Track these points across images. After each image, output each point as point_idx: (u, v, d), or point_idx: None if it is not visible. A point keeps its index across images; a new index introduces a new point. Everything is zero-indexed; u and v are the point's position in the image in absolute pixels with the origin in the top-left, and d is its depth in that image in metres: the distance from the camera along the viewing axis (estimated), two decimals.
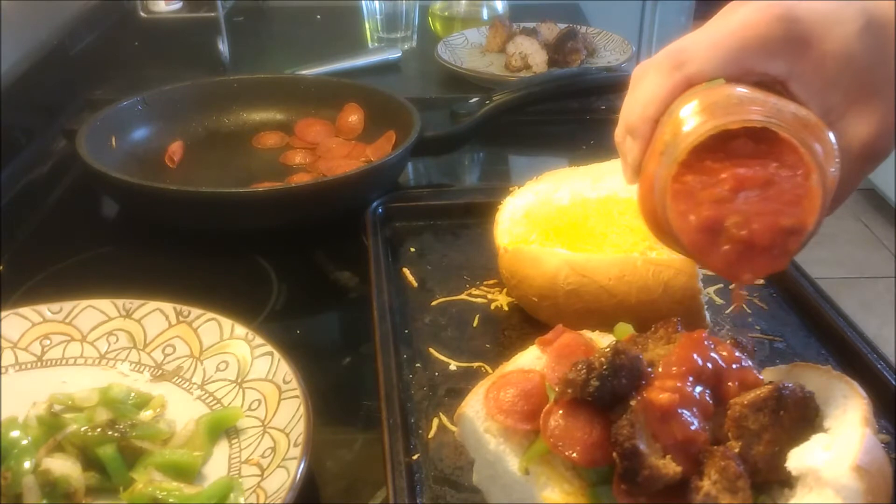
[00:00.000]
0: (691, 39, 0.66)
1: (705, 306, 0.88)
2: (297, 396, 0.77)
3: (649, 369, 0.61)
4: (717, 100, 0.62)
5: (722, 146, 0.61)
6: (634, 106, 0.68)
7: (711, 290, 1.01)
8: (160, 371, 0.86)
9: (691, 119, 0.62)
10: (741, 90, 0.63)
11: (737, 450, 0.58)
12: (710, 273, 1.04)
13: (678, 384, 0.60)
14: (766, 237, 0.59)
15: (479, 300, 1.00)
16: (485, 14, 2.03)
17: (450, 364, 0.90)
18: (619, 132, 0.72)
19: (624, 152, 0.71)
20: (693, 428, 0.58)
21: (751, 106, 0.61)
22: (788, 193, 0.59)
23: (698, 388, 0.60)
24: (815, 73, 0.64)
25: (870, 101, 0.64)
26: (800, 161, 0.59)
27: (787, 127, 0.59)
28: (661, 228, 0.65)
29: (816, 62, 0.63)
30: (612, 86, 1.49)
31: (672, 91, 0.66)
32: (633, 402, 0.59)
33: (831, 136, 0.62)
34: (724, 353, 0.64)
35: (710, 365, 0.62)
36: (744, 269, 0.61)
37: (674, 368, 0.61)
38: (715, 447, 0.57)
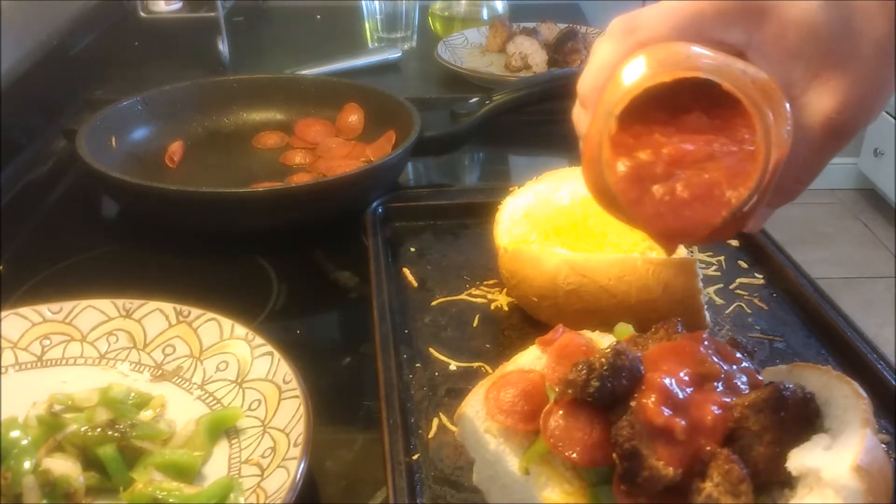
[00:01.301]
0: (646, 7, 0.64)
1: (705, 306, 0.88)
2: (297, 396, 0.77)
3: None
4: (663, 55, 0.60)
5: (673, 121, 0.59)
6: (586, 75, 0.66)
7: (711, 290, 1.01)
8: (160, 371, 0.86)
9: (634, 73, 0.59)
10: (692, 48, 0.60)
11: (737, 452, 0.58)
12: (710, 273, 1.05)
13: (673, 390, 0.59)
14: (700, 191, 0.57)
15: (479, 300, 1.00)
16: (485, 14, 2.03)
17: (450, 364, 0.90)
18: (575, 110, 0.69)
19: (579, 129, 0.68)
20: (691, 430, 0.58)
21: (698, 60, 0.59)
22: (733, 156, 0.57)
23: (693, 391, 0.60)
24: (775, 44, 0.61)
25: (833, 73, 0.62)
26: (749, 128, 0.57)
27: (730, 80, 0.57)
28: (603, 194, 0.62)
29: (777, 32, 0.61)
30: None
31: (623, 57, 0.63)
32: (633, 403, 0.59)
33: (785, 101, 0.59)
34: (724, 354, 0.64)
35: (708, 366, 0.62)
36: (678, 230, 0.59)
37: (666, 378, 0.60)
38: (718, 450, 0.57)
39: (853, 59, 0.62)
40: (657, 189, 0.58)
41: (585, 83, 0.66)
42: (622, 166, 0.59)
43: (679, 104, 0.59)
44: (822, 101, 0.62)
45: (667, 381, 0.59)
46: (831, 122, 0.62)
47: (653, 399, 0.58)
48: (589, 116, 0.65)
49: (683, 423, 0.57)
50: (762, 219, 0.70)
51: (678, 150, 0.58)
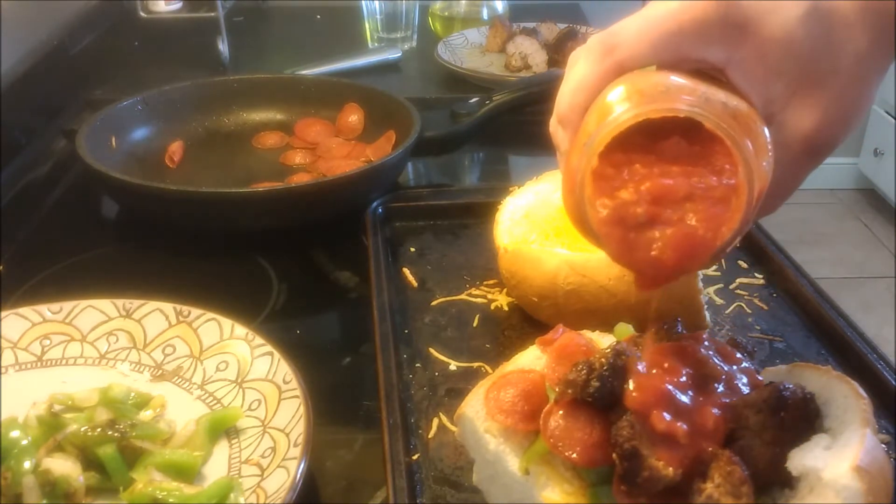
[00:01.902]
0: (624, 24, 0.63)
1: (705, 306, 0.88)
2: (297, 396, 0.77)
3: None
4: (644, 87, 0.59)
5: (652, 146, 0.58)
6: (563, 94, 0.65)
7: (711, 290, 1.01)
8: (160, 371, 0.86)
9: (615, 107, 0.59)
10: (672, 78, 0.60)
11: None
12: (710, 273, 1.05)
13: (673, 393, 0.59)
14: (684, 235, 0.57)
15: (479, 300, 1.00)
16: (485, 14, 2.03)
17: (450, 364, 0.90)
18: (552, 122, 0.68)
19: (557, 144, 0.68)
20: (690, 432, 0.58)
21: (678, 94, 0.58)
22: (714, 192, 0.57)
23: (693, 392, 0.60)
24: (755, 61, 0.60)
25: (813, 90, 0.61)
26: (729, 159, 0.56)
27: (712, 118, 0.57)
28: (584, 225, 0.62)
29: (757, 49, 0.60)
30: None
31: (602, 77, 0.62)
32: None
33: (765, 129, 0.59)
34: (724, 354, 0.64)
35: (708, 366, 0.62)
36: (660, 271, 0.58)
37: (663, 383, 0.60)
38: (720, 451, 0.57)
39: (832, 74, 0.61)
40: (641, 229, 0.58)
41: (563, 102, 0.65)
42: (603, 208, 0.58)
43: (658, 128, 0.59)
44: (802, 118, 0.62)
45: (668, 384, 0.59)
46: (809, 141, 0.62)
47: (654, 404, 0.58)
48: (568, 136, 0.64)
49: (685, 427, 0.57)
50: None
51: (659, 186, 0.58)
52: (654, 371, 0.60)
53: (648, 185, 0.58)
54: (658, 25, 0.60)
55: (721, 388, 0.61)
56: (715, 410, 0.59)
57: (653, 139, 0.59)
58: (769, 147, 0.59)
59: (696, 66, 0.61)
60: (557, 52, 1.76)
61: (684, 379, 0.60)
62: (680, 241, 0.57)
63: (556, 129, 0.67)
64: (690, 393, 0.59)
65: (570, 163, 0.62)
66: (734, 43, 0.60)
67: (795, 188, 0.65)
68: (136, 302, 0.91)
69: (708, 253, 0.58)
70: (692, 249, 0.57)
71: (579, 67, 0.64)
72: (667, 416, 0.57)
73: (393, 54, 1.86)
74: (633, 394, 0.59)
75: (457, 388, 0.86)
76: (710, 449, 0.57)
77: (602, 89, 0.62)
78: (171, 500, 0.69)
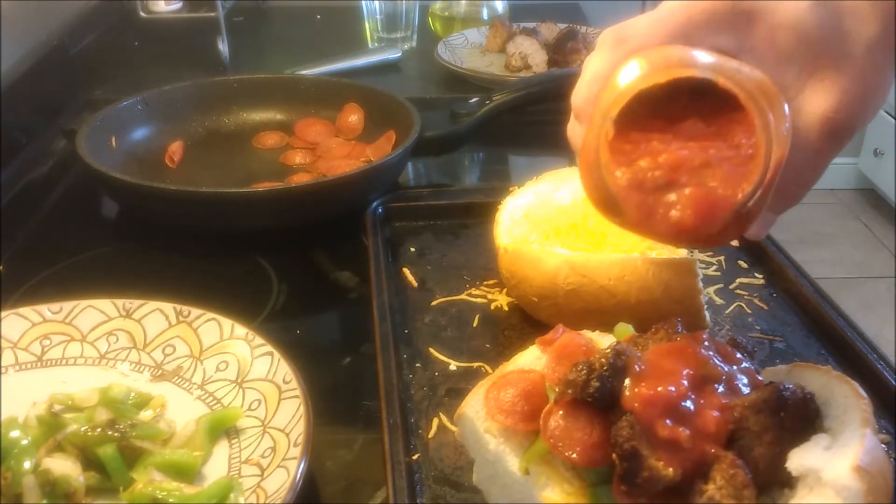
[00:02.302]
0: (636, 19, 0.64)
1: (705, 306, 0.88)
2: (297, 396, 0.77)
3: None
4: (656, 58, 0.60)
5: (669, 127, 0.59)
6: (579, 87, 0.66)
7: (711, 290, 1.01)
8: (160, 371, 0.86)
9: (628, 75, 0.59)
10: (685, 49, 0.60)
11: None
12: (710, 273, 1.05)
13: (674, 398, 0.59)
14: (703, 191, 0.57)
15: (479, 300, 1.00)
16: (485, 14, 2.03)
17: (450, 364, 0.90)
18: (570, 125, 0.69)
19: (575, 142, 0.68)
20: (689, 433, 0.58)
21: (692, 61, 0.58)
22: (732, 160, 0.57)
23: (693, 394, 0.60)
24: (766, 47, 0.61)
25: (826, 74, 0.62)
26: (747, 132, 0.57)
27: (726, 79, 0.57)
28: (603, 199, 0.62)
29: (767, 35, 0.61)
30: None
31: (616, 66, 0.63)
32: (635, 406, 0.59)
33: (782, 99, 0.59)
34: (724, 354, 0.64)
35: (708, 367, 0.62)
36: (683, 231, 0.59)
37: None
38: (723, 453, 0.57)
39: (846, 58, 0.62)
40: (660, 193, 0.58)
41: (579, 95, 0.66)
42: (622, 173, 0.59)
43: (675, 113, 0.59)
44: (818, 101, 0.62)
45: (668, 388, 0.59)
46: (829, 122, 0.62)
47: (655, 409, 0.58)
48: (585, 129, 0.65)
49: (687, 432, 0.57)
50: (766, 224, 0.70)
51: (676, 155, 0.58)
52: (655, 374, 0.60)
53: (666, 155, 0.58)
54: (670, 15, 0.62)
55: (721, 389, 0.61)
56: (715, 412, 0.59)
57: (670, 123, 0.59)
58: (787, 113, 0.59)
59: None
60: (557, 52, 1.76)
61: (685, 381, 0.60)
62: (698, 200, 0.58)
63: (573, 128, 0.68)
64: (691, 395, 0.59)
65: (586, 140, 0.62)
66: (744, 29, 0.61)
67: (819, 175, 0.65)
68: (136, 302, 0.91)
69: (727, 211, 0.58)
70: (711, 208, 0.58)
71: (593, 61, 0.65)
72: (668, 423, 0.57)
73: (393, 54, 1.86)
74: (635, 400, 0.58)
75: (457, 388, 0.86)
76: (712, 450, 0.57)
77: None
78: (171, 500, 0.69)
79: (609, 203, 0.61)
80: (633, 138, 0.59)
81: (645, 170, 0.58)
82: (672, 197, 0.58)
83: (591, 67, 0.65)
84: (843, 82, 0.62)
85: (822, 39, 0.61)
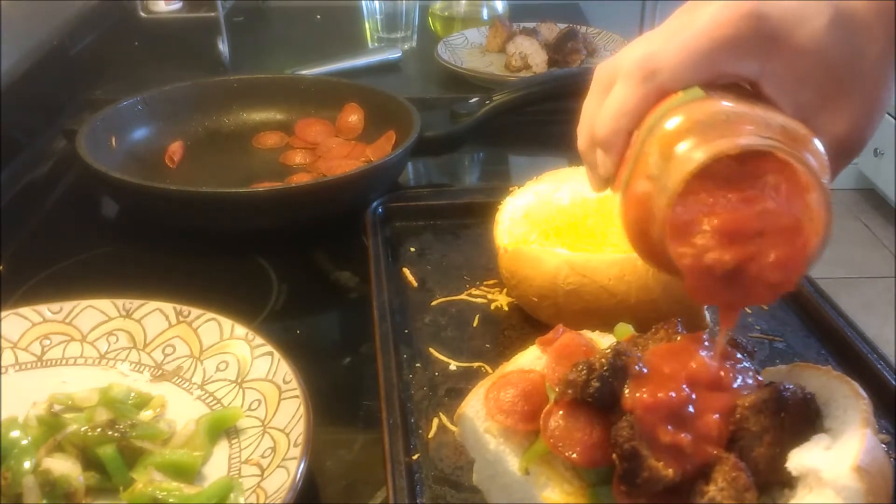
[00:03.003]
0: (659, 44, 0.64)
1: (705, 306, 0.88)
2: (297, 396, 0.77)
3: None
4: (703, 118, 0.60)
5: (705, 168, 0.58)
6: (605, 118, 0.66)
7: None
8: (160, 371, 0.86)
9: (682, 142, 0.59)
10: (725, 104, 0.61)
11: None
12: None
13: (671, 392, 0.59)
14: (769, 271, 0.58)
15: (479, 300, 1.00)
16: (485, 14, 2.03)
17: (450, 364, 0.90)
18: (584, 142, 0.69)
19: (592, 163, 0.69)
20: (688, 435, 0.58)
21: (741, 125, 0.59)
22: (787, 218, 0.58)
23: (693, 396, 0.60)
24: (787, 71, 0.62)
25: (843, 96, 0.63)
26: (792, 178, 0.57)
27: (785, 148, 0.57)
28: (648, 248, 0.63)
29: (788, 59, 0.62)
30: None
31: (645, 101, 0.63)
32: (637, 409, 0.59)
33: (819, 144, 0.60)
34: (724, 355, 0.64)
35: (708, 368, 0.62)
36: (750, 301, 0.60)
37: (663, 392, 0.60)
38: (725, 455, 0.57)
39: (857, 78, 0.63)
40: (727, 281, 0.58)
41: (604, 125, 0.66)
42: (686, 258, 0.58)
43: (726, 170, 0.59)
44: (835, 123, 0.63)
45: (669, 392, 0.59)
46: (843, 144, 0.64)
47: (656, 415, 0.58)
48: (612, 160, 0.66)
49: (689, 437, 0.57)
50: None
51: (731, 221, 0.58)
52: (655, 378, 0.60)
53: (720, 221, 0.58)
54: (695, 44, 0.62)
55: (721, 390, 0.61)
56: (716, 415, 0.59)
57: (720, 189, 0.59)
58: (827, 163, 0.60)
59: (730, 80, 0.63)
60: (557, 52, 1.76)
61: (685, 385, 0.60)
62: (767, 271, 0.58)
63: (591, 150, 0.68)
64: (692, 399, 0.59)
65: (632, 188, 0.63)
66: (766, 55, 0.62)
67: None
68: (136, 302, 0.91)
69: (794, 281, 0.59)
70: (776, 286, 0.59)
71: (618, 91, 0.65)
72: (670, 428, 0.57)
73: (393, 54, 1.86)
74: (636, 405, 0.58)
75: (457, 388, 0.86)
76: (713, 452, 0.57)
77: (644, 112, 0.63)
78: (171, 500, 0.69)
79: (653, 252, 0.62)
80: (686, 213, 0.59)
81: (707, 249, 0.58)
82: (741, 281, 0.58)
83: (617, 99, 0.65)
84: (857, 102, 0.63)
85: (837, 60, 0.62)
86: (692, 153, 0.58)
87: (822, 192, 0.58)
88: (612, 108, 0.65)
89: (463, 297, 1.01)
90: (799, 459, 0.58)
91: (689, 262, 0.58)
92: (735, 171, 0.58)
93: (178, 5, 1.84)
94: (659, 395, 0.58)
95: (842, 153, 0.64)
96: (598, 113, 0.67)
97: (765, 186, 0.58)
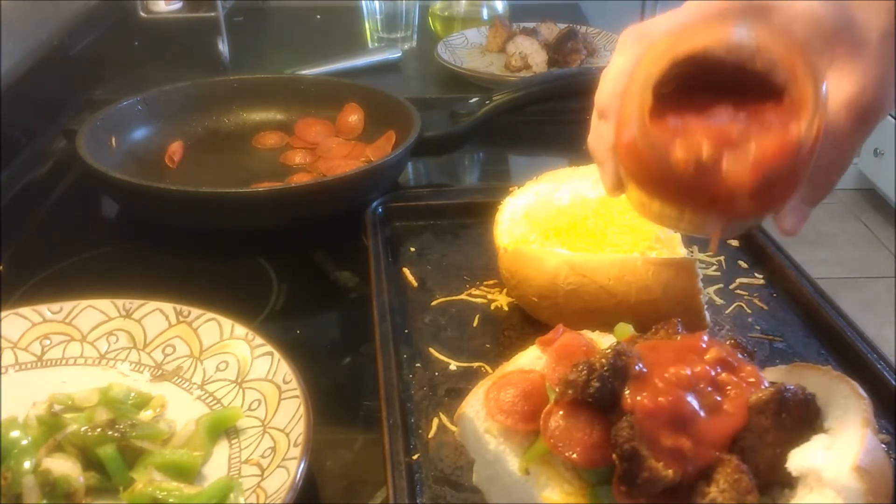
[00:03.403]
0: (654, 19, 0.68)
1: (705, 306, 0.88)
2: (297, 396, 0.77)
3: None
4: (689, 31, 0.62)
5: (703, 112, 0.60)
6: (602, 86, 0.68)
7: (711, 290, 1.01)
8: (160, 371, 0.86)
9: (663, 45, 0.62)
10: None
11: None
12: (710, 273, 1.04)
13: (671, 394, 0.59)
14: (755, 147, 0.58)
15: (479, 300, 1.00)
16: (485, 14, 2.03)
17: (450, 364, 0.90)
18: (592, 137, 0.70)
19: (600, 160, 0.70)
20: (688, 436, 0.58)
21: (725, 25, 0.61)
22: (776, 116, 0.59)
23: (693, 397, 0.60)
24: (781, 35, 0.64)
25: (846, 60, 0.64)
26: (777, 111, 0.58)
27: (769, 38, 0.59)
28: (649, 176, 0.63)
29: (783, 27, 0.64)
30: None
31: (635, 61, 0.66)
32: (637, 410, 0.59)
33: (819, 66, 0.61)
34: (724, 355, 0.64)
35: (707, 368, 0.62)
36: (732, 212, 0.60)
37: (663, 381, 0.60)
38: (727, 457, 0.57)
39: (863, 45, 0.64)
40: (714, 157, 0.58)
41: (604, 92, 0.68)
42: (675, 149, 0.59)
43: (704, 103, 0.60)
44: (842, 85, 0.64)
45: (670, 397, 0.59)
46: (855, 104, 0.64)
47: (658, 418, 0.58)
48: (611, 126, 0.67)
49: (690, 441, 0.57)
50: (801, 217, 0.70)
51: (716, 127, 0.59)
52: (655, 377, 0.60)
53: (707, 127, 0.59)
54: (687, 14, 0.66)
55: (722, 391, 0.61)
56: (717, 416, 0.59)
57: (701, 111, 0.60)
58: (820, 77, 0.61)
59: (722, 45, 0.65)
60: (557, 52, 1.76)
61: (685, 387, 0.60)
62: (758, 152, 0.58)
63: (597, 135, 0.70)
64: (692, 401, 0.59)
65: (623, 116, 0.63)
66: (760, 24, 0.63)
67: (849, 160, 0.67)
68: (136, 302, 0.91)
69: (785, 159, 0.59)
70: (770, 158, 0.59)
71: (615, 59, 0.68)
72: (670, 432, 0.57)
73: (393, 54, 1.86)
74: (636, 408, 0.58)
75: (457, 388, 0.86)
76: (715, 453, 0.57)
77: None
78: (171, 500, 0.69)
79: (655, 179, 0.62)
80: (670, 121, 0.60)
81: (691, 141, 0.59)
82: (727, 157, 0.58)
83: (614, 65, 0.68)
84: (863, 66, 0.64)
85: (836, 29, 0.64)
86: (668, 48, 0.61)
87: (814, 72, 0.59)
88: (610, 74, 0.68)
89: (463, 297, 1.01)
90: (799, 459, 0.58)
91: (667, 145, 0.59)
92: (728, 112, 0.60)
93: (178, 5, 1.84)
94: (659, 399, 0.58)
95: (859, 114, 0.64)
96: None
97: (749, 113, 0.59)
